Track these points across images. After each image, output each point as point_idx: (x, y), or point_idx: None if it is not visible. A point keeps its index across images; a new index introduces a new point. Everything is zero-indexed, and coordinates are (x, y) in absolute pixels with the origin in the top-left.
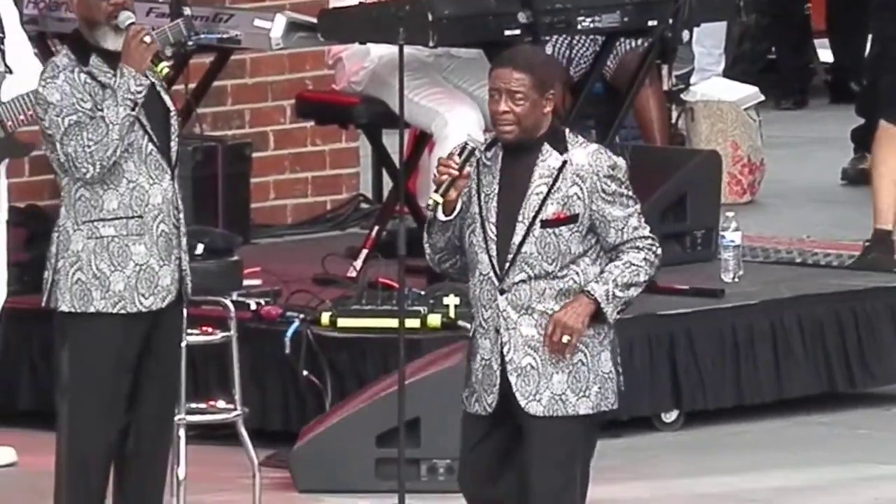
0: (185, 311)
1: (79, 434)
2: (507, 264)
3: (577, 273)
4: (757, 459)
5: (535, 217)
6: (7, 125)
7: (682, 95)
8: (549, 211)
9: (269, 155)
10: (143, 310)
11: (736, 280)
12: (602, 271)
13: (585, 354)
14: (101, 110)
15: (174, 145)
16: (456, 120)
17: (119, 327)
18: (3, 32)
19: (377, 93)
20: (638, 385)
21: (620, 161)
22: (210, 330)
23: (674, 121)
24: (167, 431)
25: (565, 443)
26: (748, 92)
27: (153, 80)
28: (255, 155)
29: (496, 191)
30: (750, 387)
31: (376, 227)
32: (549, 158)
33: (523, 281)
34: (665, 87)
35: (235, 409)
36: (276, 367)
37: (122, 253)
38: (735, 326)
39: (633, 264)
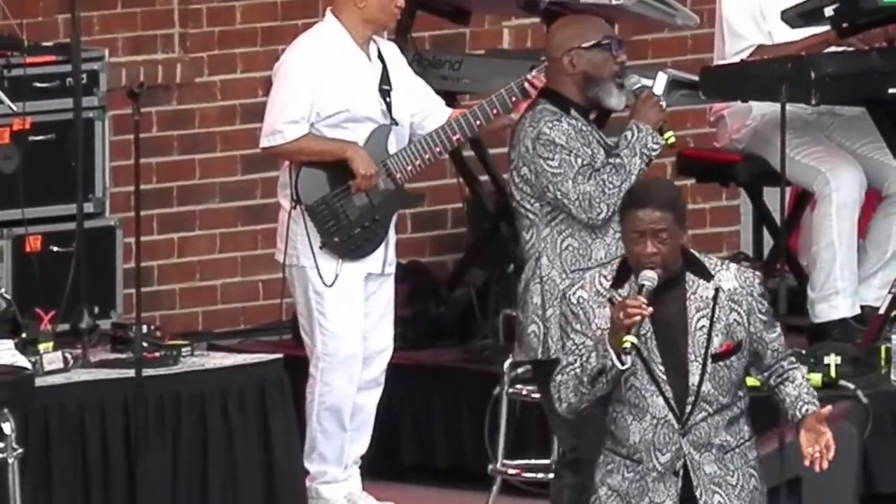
0: None
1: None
2: (689, 406)
3: (740, 398)
4: None
5: (706, 353)
6: (397, 177)
7: None
8: (716, 343)
9: None
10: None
11: None
12: (797, 393)
13: (756, 479)
14: (618, 157)
15: None
16: (838, 180)
17: None
18: (390, 85)
19: (759, 150)
20: None
21: (760, 275)
22: None
23: None
24: None
25: None
26: None
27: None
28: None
29: (652, 330)
30: None
31: None
32: (699, 289)
33: (703, 420)
34: None
35: None
36: None
37: None
38: None
39: (806, 378)
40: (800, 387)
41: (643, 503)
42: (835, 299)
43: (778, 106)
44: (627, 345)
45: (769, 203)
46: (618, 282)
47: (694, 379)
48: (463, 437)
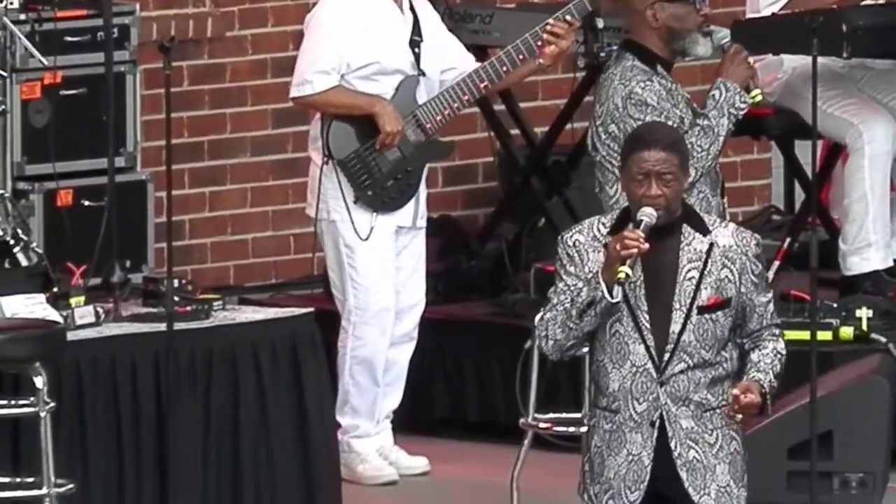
0: None
1: None
2: (668, 354)
3: (726, 360)
4: None
5: (691, 303)
6: (427, 127)
7: None
8: (704, 296)
9: None
10: None
11: None
12: (757, 359)
13: (738, 443)
14: (706, 119)
15: None
16: (871, 132)
17: None
18: (421, 37)
19: (790, 104)
20: None
21: (758, 238)
22: None
23: None
24: None
25: None
26: None
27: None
28: None
29: (642, 277)
30: None
31: (788, 239)
32: (694, 241)
33: (682, 371)
34: None
35: None
36: None
37: None
38: None
39: (780, 354)
40: (764, 356)
41: (621, 455)
42: (867, 251)
43: (809, 59)
44: (622, 275)
45: (801, 156)
46: (616, 230)
47: (675, 327)
48: (494, 391)
